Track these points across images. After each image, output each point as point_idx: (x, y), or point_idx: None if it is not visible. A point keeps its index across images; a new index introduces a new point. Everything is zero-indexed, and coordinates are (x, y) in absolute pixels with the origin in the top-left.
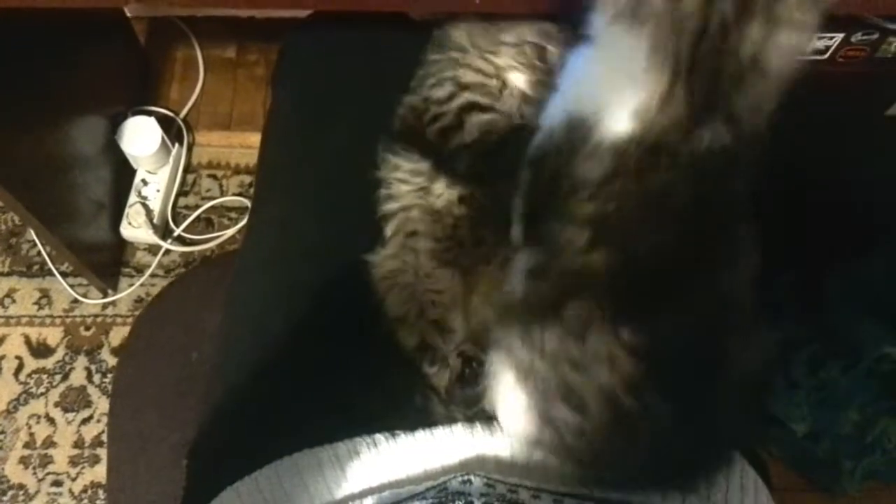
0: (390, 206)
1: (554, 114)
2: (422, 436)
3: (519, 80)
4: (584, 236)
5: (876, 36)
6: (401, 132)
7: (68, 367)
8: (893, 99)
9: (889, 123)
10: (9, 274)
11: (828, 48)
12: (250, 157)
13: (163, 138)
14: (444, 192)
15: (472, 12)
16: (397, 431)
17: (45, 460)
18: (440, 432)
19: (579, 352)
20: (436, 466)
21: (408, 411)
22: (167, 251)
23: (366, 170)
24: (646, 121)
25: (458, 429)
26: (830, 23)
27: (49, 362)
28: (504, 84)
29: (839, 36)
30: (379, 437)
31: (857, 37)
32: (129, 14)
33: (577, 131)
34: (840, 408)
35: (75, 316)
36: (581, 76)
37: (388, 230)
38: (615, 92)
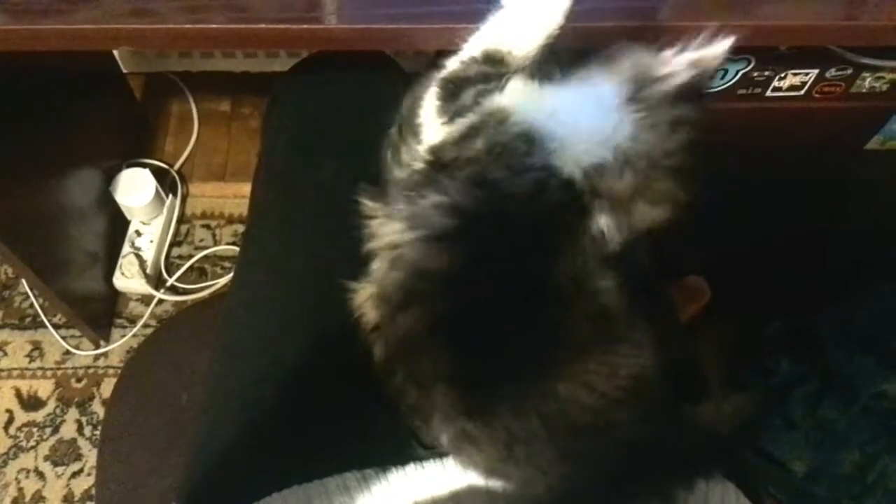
0: (376, 244)
1: None
2: (412, 469)
3: None
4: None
5: (850, 71)
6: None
7: (59, 419)
8: (871, 133)
9: (868, 157)
10: (1, 327)
11: (804, 84)
12: (244, 207)
13: (157, 189)
14: None
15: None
16: (388, 466)
17: None
18: (431, 465)
19: None
20: (426, 498)
21: (400, 455)
22: (160, 301)
23: (354, 208)
24: None
25: (450, 461)
26: (805, 58)
27: (40, 415)
28: None
29: (814, 72)
30: (369, 472)
31: (831, 72)
32: (124, 70)
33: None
34: (839, 447)
35: (67, 368)
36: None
37: (375, 266)
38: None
